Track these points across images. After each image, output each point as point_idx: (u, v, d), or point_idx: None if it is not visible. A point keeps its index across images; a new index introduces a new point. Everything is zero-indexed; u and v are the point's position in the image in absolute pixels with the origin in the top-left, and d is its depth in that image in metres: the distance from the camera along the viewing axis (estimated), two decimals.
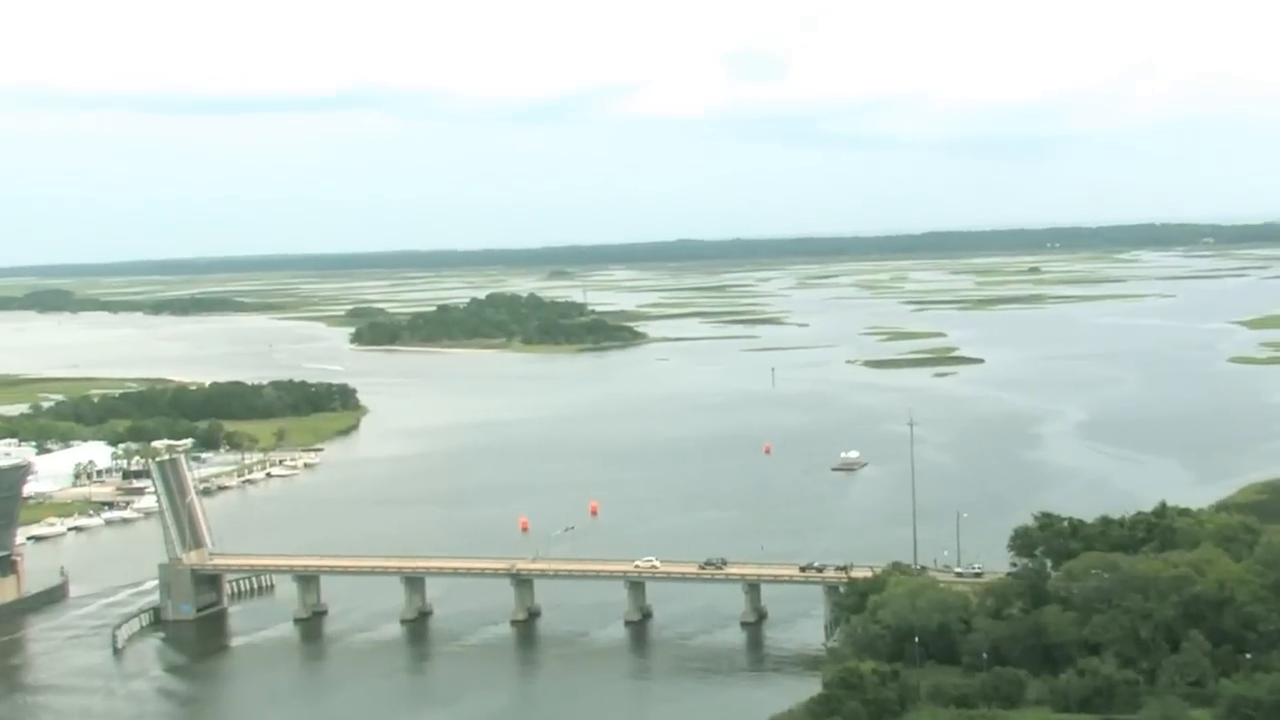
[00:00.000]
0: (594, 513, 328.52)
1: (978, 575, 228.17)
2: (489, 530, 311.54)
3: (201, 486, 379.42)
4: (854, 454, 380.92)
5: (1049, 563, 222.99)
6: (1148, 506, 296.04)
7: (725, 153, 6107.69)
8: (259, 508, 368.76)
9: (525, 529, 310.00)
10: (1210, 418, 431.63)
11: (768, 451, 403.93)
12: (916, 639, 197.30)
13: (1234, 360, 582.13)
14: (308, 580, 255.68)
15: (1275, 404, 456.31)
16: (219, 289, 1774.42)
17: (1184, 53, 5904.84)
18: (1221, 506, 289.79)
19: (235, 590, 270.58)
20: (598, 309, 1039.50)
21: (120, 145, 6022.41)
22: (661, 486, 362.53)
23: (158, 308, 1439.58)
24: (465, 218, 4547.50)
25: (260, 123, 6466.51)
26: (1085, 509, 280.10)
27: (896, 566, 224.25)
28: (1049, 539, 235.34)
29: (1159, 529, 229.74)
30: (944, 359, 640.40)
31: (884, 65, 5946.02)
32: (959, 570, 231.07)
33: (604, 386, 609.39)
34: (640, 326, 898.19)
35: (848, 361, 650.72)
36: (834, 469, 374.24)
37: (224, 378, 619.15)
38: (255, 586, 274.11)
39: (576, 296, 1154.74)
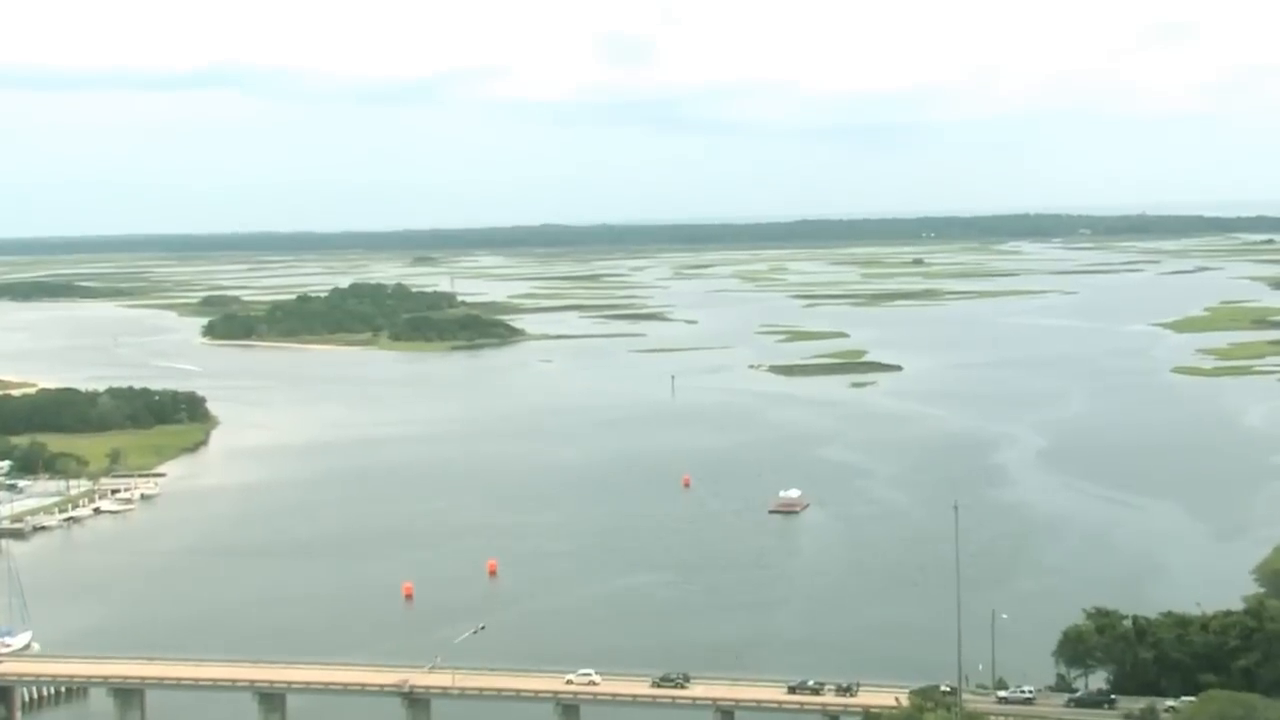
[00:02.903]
0: (492, 572, 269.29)
1: (1027, 701, 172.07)
2: (364, 599, 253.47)
3: (14, 527, 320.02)
4: (794, 493, 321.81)
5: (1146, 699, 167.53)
6: (1168, 567, 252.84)
7: (591, 137, 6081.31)
8: (79, 560, 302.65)
9: (410, 597, 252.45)
10: (1187, 445, 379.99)
11: (687, 485, 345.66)
12: None
13: (1179, 371, 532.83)
14: (129, 694, 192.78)
15: (1250, 427, 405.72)
16: (65, 271, 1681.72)
17: (1042, 47, 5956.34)
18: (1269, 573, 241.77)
19: (32, 698, 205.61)
20: (468, 300, 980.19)
21: None
22: (570, 535, 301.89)
23: None
24: (325, 200, 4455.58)
25: (110, 100, 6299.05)
26: (1098, 573, 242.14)
27: (927, 695, 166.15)
28: (1108, 645, 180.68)
29: (1259, 636, 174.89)
30: (856, 365, 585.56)
31: (753, 51, 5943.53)
32: (1002, 694, 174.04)
33: (484, 394, 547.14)
34: (516, 321, 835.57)
35: (751, 367, 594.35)
36: (771, 511, 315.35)
37: (59, 377, 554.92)
38: (60, 691, 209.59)
39: (443, 284, 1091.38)
